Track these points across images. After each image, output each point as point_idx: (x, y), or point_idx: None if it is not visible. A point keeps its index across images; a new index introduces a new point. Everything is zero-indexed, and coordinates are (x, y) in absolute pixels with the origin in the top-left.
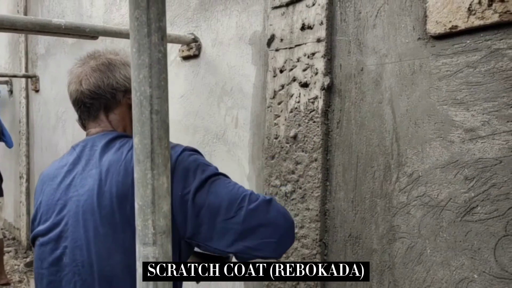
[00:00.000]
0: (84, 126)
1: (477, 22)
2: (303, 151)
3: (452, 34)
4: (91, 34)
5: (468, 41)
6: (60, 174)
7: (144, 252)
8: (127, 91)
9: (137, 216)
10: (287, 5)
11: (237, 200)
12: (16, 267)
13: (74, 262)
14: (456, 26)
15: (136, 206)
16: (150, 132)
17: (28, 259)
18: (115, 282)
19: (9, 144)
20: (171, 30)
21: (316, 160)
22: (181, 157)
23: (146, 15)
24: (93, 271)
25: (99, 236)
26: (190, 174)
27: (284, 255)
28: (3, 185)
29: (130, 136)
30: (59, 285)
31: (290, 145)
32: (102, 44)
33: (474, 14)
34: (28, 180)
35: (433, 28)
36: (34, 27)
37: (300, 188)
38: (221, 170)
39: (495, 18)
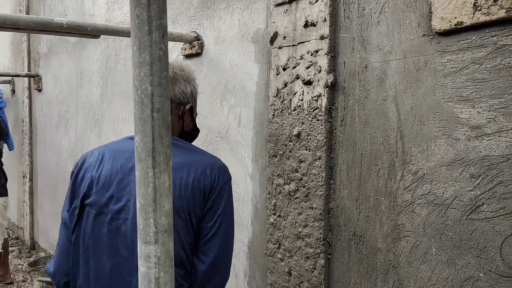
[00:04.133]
0: None
1: (483, 18)
2: (306, 149)
3: (457, 30)
4: (93, 33)
5: (473, 37)
6: (122, 157)
7: (146, 250)
8: (180, 104)
9: (139, 215)
10: (290, 2)
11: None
12: (20, 266)
13: (135, 232)
14: (462, 22)
15: (138, 205)
16: (151, 130)
17: (31, 259)
18: None
19: (10, 147)
20: (173, 28)
21: (319, 158)
22: (230, 182)
23: (147, 13)
24: None
25: None
26: (226, 197)
27: (287, 254)
28: (7, 185)
29: (180, 141)
30: (117, 247)
31: (293, 144)
32: (104, 44)
33: (480, 10)
34: (31, 180)
35: (438, 24)
36: (36, 26)
37: (304, 186)
38: None
39: (501, 13)
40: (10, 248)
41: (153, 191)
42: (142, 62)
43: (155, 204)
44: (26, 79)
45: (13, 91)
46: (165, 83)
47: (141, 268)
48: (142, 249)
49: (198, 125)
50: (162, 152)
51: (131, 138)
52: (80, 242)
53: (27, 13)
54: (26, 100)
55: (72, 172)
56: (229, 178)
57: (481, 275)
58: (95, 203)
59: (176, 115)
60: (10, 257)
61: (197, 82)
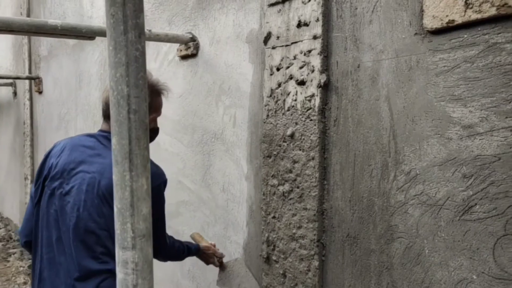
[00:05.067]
0: (106, 118)
1: (474, 16)
2: (300, 150)
3: (449, 29)
4: (87, 34)
5: (465, 36)
6: (78, 151)
7: (123, 256)
8: None
9: (116, 220)
10: (283, 2)
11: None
12: (21, 268)
13: (73, 213)
14: (453, 21)
15: (115, 209)
16: (128, 132)
17: None
18: (91, 231)
19: None
20: (169, 29)
21: (313, 158)
22: (162, 185)
23: (122, 12)
24: (80, 224)
25: (93, 204)
26: (157, 197)
27: (282, 256)
28: None
29: None
30: (59, 222)
31: (287, 144)
32: (103, 45)
33: (471, 8)
34: (33, 181)
35: (430, 23)
36: (30, 28)
37: (298, 187)
38: (219, 170)
39: (492, 11)
40: (11, 250)
41: (130, 195)
42: (118, 62)
43: (132, 208)
44: (27, 81)
45: (15, 93)
46: (142, 84)
47: (119, 274)
48: (119, 254)
49: (194, 126)
50: (139, 154)
51: (89, 136)
52: (39, 214)
53: (28, 16)
54: (27, 102)
55: (44, 156)
56: (162, 182)
57: (474, 277)
58: (50, 185)
59: None
60: (11, 259)
61: (156, 90)
